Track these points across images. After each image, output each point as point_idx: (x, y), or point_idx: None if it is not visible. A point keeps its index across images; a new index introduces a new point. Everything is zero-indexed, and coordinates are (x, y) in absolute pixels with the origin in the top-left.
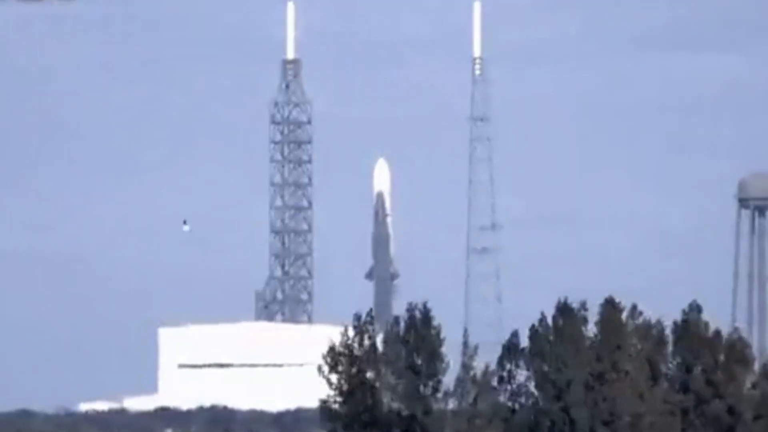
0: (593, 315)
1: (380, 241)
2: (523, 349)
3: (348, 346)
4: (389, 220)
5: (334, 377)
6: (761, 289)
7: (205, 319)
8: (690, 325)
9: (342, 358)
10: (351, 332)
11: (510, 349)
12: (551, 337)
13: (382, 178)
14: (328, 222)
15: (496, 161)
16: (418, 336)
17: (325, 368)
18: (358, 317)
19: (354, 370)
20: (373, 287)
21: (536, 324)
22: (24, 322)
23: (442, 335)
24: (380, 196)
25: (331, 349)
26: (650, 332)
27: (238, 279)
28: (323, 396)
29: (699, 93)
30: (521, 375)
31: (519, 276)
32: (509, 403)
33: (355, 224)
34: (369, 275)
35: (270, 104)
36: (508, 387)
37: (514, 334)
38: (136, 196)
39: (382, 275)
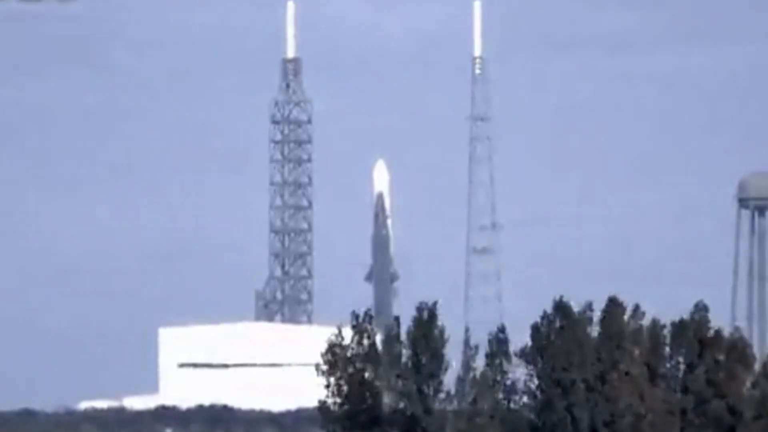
0: (594, 315)
1: (380, 243)
2: (524, 348)
3: (344, 347)
4: (389, 221)
5: (332, 378)
6: (761, 289)
7: (205, 319)
8: (692, 324)
9: (340, 359)
10: (348, 332)
11: (499, 345)
12: (553, 337)
13: (381, 180)
14: (328, 222)
15: (496, 161)
16: (421, 336)
17: (324, 368)
18: (356, 316)
19: (351, 369)
20: (373, 289)
21: (539, 322)
22: (25, 322)
23: (446, 335)
24: (380, 197)
25: (329, 348)
26: (650, 332)
27: (238, 279)
28: (323, 397)
29: (699, 92)
30: (517, 373)
31: (519, 276)
32: (504, 401)
33: (355, 224)
34: (368, 277)
35: (270, 103)
36: (502, 385)
37: (501, 329)
38: (137, 195)
39: (381, 277)
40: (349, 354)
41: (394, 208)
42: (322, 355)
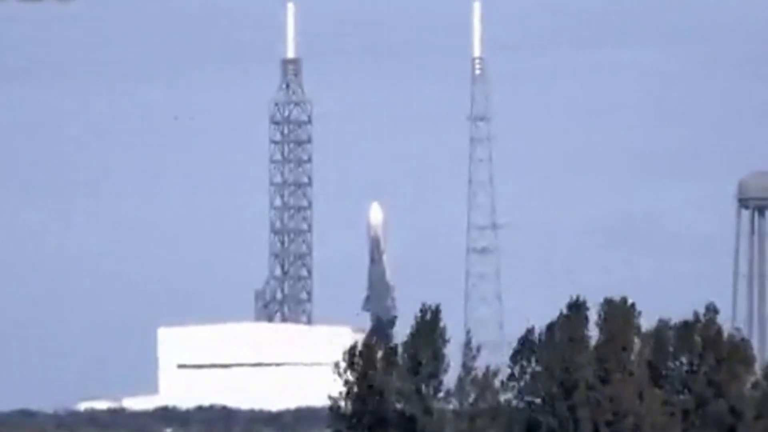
0: (592, 315)
1: (376, 278)
2: (540, 346)
3: (367, 348)
4: (384, 256)
5: (349, 377)
6: (761, 289)
7: (205, 319)
8: (700, 326)
9: (359, 360)
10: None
11: (525, 345)
12: (560, 336)
13: (376, 220)
14: (328, 222)
15: (496, 161)
16: (422, 336)
17: (342, 366)
18: (379, 320)
19: (362, 371)
20: (370, 317)
21: (553, 322)
22: (24, 322)
23: (447, 336)
24: (375, 239)
25: (352, 348)
26: (651, 333)
27: (238, 279)
28: (330, 396)
29: (699, 91)
30: (532, 372)
31: (519, 276)
32: (515, 401)
33: (354, 224)
34: (365, 307)
35: (270, 104)
36: (517, 384)
37: (530, 331)
38: (136, 195)
39: (378, 306)
40: (366, 355)
41: (394, 207)
42: (344, 353)
